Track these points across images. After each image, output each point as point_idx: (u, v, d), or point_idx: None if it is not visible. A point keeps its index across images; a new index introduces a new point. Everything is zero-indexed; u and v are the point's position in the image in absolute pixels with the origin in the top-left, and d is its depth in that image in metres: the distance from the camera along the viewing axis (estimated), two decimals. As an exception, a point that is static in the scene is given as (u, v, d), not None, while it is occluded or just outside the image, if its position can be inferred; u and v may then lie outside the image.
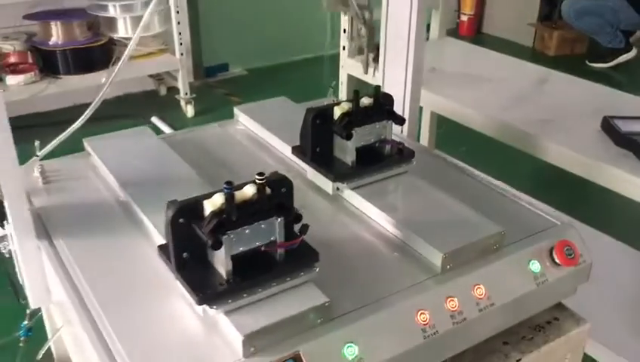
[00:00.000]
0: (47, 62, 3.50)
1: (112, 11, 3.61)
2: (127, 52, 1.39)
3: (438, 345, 1.03)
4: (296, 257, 0.99)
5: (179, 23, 3.71)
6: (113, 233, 1.19)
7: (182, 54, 3.79)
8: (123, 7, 3.61)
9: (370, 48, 1.23)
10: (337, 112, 1.24)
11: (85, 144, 1.45)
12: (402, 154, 1.31)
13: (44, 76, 3.47)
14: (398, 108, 1.49)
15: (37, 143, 1.36)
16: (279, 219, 0.97)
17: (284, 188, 1.00)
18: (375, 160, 1.29)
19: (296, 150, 1.34)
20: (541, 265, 1.14)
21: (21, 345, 1.62)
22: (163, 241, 1.07)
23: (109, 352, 0.91)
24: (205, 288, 0.94)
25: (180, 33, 3.73)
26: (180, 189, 1.22)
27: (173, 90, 4.06)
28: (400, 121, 1.29)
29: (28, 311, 1.69)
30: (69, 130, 1.36)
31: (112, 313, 0.98)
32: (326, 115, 1.26)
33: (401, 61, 1.56)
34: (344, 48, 2.31)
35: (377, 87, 1.28)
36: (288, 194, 1.00)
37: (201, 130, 1.61)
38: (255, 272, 0.96)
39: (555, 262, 1.15)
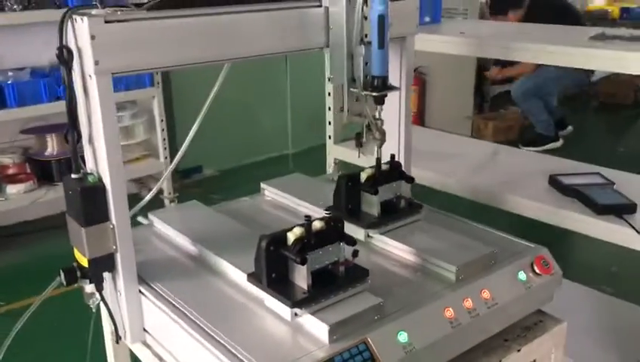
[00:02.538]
0: (44, 172, 3.79)
1: (101, 123, 3.97)
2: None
3: (461, 334, 1.37)
4: (352, 273, 1.34)
5: (163, 130, 4.11)
6: (194, 276, 1.51)
7: (166, 158, 4.16)
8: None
9: (380, 144, 1.65)
10: (363, 176, 1.64)
11: (150, 216, 1.77)
12: (412, 206, 1.69)
13: (41, 184, 3.75)
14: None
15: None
16: (342, 244, 1.32)
17: (340, 223, 1.35)
18: (394, 212, 1.67)
19: (330, 207, 1.69)
20: (526, 275, 1.51)
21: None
22: (241, 275, 1.40)
23: (231, 355, 1.20)
24: (292, 297, 1.27)
25: (164, 139, 4.12)
26: (238, 239, 1.57)
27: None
28: (410, 180, 1.68)
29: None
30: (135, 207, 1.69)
31: (221, 327, 1.28)
32: (355, 179, 1.64)
33: (394, 143, 1.96)
34: (330, 137, 2.75)
35: (392, 156, 1.68)
36: (342, 227, 1.36)
37: (235, 202, 1.96)
38: (326, 284, 1.29)
39: (536, 272, 1.53)
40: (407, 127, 1.90)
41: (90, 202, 1.35)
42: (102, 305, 1.63)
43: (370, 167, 1.65)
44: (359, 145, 2.73)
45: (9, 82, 3.53)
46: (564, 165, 2.40)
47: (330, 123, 2.72)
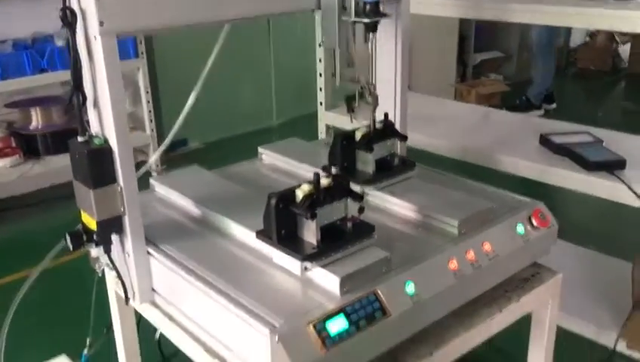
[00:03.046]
0: (29, 146, 3.76)
1: (86, 95, 3.93)
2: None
3: (464, 285, 1.41)
4: (359, 229, 1.37)
5: (149, 102, 4.08)
6: (201, 237, 1.53)
7: (152, 130, 4.14)
8: (96, 91, 3.93)
9: (374, 109, 1.67)
10: (358, 135, 1.66)
11: (152, 182, 1.78)
12: (406, 164, 1.73)
13: (27, 159, 3.72)
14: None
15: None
16: (349, 200, 1.35)
17: (345, 181, 1.38)
18: (387, 169, 1.70)
19: (326, 166, 1.71)
20: (524, 228, 1.56)
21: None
22: (248, 233, 1.43)
23: (246, 308, 1.22)
24: (303, 252, 1.30)
25: (150, 111, 4.09)
26: (242, 200, 1.60)
27: (140, 164, 4.37)
28: (403, 138, 1.71)
29: (88, 341, 1.96)
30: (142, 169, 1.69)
31: (232, 283, 1.31)
32: (350, 138, 1.66)
33: (389, 106, 1.98)
34: (321, 104, 2.77)
35: (386, 114, 1.71)
36: (348, 184, 1.38)
37: (234, 167, 1.97)
38: (334, 240, 1.32)
39: (533, 225, 1.57)
40: (403, 89, 1.92)
41: (98, 164, 1.35)
42: (106, 269, 1.66)
43: (365, 126, 1.67)
44: (351, 110, 2.76)
45: (-9, 55, 3.48)
46: (553, 126, 2.44)
47: (321, 89, 2.73)
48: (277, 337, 1.13)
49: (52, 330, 2.72)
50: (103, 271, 1.64)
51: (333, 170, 1.34)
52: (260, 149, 2.02)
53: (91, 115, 1.40)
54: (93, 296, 1.83)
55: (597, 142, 2.14)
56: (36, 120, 3.80)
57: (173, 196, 1.71)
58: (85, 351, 1.98)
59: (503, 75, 6.80)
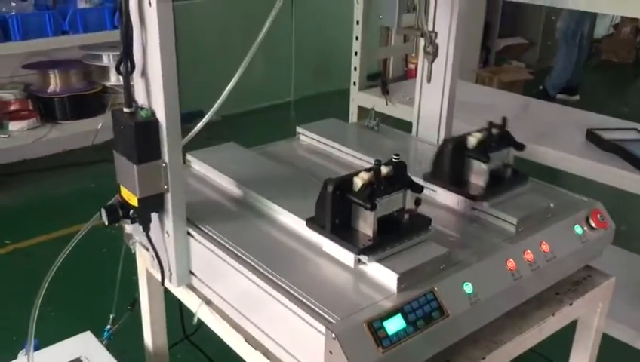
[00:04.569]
0: (46, 109, 3.67)
1: (106, 60, 3.84)
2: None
3: (521, 286, 1.34)
4: (415, 221, 1.29)
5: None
6: (242, 219, 1.45)
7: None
8: (116, 56, 3.84)
9: (432, 59, 1.55)
10: (472, 140, 1.48)
11: (188, 157, 1.70)
12: (518, 176, 1.53)
13: (44, 122, 3.63)
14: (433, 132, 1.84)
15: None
16: (408, 191, 1.27)
17: (405, 169, 1.30)
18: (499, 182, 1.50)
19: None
20: (582, 228, 1.48)
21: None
22: (296, 220, 1.35)
23: (298, 301, 1.15)
24: (358, 244, 1.22)
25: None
26: (285, 183, 1.52)
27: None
28: (520, 147, 1.52)
29: (111, 316, 1.90)
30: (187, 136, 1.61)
31: (279, 270, 1.23)
32: (461, 143, 1.49)
33: (437, 93, 1.89)
34: (355, 84, 2.67)
35: (504, 118, 1.54)
36: (406, 173, 1.30)
37: (271, 146, 1.89)
38: (390, 232, 1.25)
39: (592, 226, 1.50)
40: (457, 44, 1.80)
41: (144, 138, 1.27)
42: (138, 246, 1.59)
43: (478, 131, 1.49)
44: (385, 92, 2.68)
45: (12, 13, 3.37)
46: (594, 119, 2.36)
47: (355, 69, 2.64)
48: (334, 335, 1.06)
49: (73, 305, 2.65)
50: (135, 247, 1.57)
51: (395, 158, 1.25)
52: (298, 129, 1.94)
53: (138, 85, 1.31)
54: (119, 272, 1.76)
55: (648, 141, 2.06)
56: (54, 83, 3.70)
57: (211, 174, 1.63)
58: (108, 327, 1.91)
59: (525, 63, 6.67)
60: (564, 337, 1.64)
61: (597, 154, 2.03)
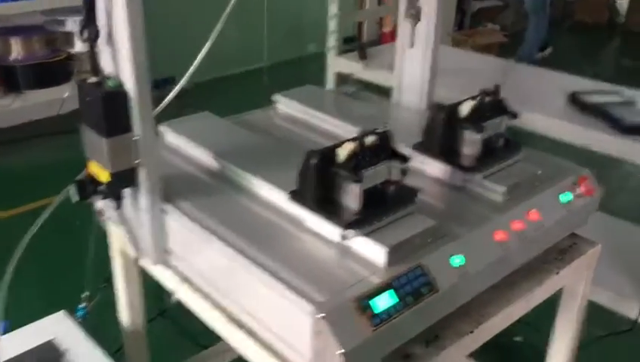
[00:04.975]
0: (8, 78, 3.51)
1: (70, 26, 3.68)
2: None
3: (510, 257, 1.30)
4: (401, 193, 1.24)
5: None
6: (219, 193, 1.38)
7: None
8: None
9: (415, 23, 1.51)
10: (464, 109, 1.42)
11: (160, 128, 1.61)
12: (511, 146, 1.48)
13: (7, 92, 3.48)
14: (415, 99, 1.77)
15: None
16: (393, 162, 1.21)
17: (390, 139, 1.24)
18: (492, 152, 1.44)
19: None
20: (570, 196, 1.44)
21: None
22: (277, 193, 1.29)
23: (282, 279, 1.09)
24: (343, 218, 1.17)
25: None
26: (264, 154, 1.46)
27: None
28: (513, 115, 1.47)
29: (83, 295, 1.83)
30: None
31: (259, 246, 1.18)
32: (452, 112, 1.42)
33: (419, 58, 1.81)
34: (331, 49, 2.59)
35: (497, 86, 1.47)
36: (391, 143, 1.24)
37: (248, 115, 1.82)
38: (375, 205, 1.19)
39: (579, 194, 1.46)
40: (436, 42, 1.76)
41: (113, 109, 1.19)
42: (110, 222, 1.52)
43: (470, 98, 1.42)
44: (363, 57, 2.61)
45: (-32, -23, 3.19)
46: (577, 83, 2.32)
47: (332, 33, 2.55)
48: (322, 315, 1.01)
49: (44, 283, 2.57)
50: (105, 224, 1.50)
51: (380, 130, 1.19)
52: (275, 97, 1.86)
53: (105, 52, 1.22)
54: (90, 248, 1.69)
55: (630, 103, 2.03)
56: (17, 51, 3.54)
57: (186, 145, 1.56)
58: (82, 305, 1.85)
59: (499, 25, 6.61)
60: (550, 303, 1.62)
61: (578, 117, 2.00)
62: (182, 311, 1.42)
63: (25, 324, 1.69)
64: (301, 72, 5.32)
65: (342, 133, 1.60)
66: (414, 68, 1.84)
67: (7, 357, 1.46)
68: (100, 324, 1.89)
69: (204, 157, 1.50)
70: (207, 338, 1.93)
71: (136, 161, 1.25)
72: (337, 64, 2.57)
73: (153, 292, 1.70)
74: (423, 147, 1.46)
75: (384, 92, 2.04)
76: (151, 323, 1.86)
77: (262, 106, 1.88)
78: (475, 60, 2.68)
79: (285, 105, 1.83)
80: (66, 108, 3.72)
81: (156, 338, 1.87)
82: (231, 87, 5.04)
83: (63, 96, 3.57)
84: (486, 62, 2.66)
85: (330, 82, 2.65)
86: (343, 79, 2.58)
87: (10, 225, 2.91)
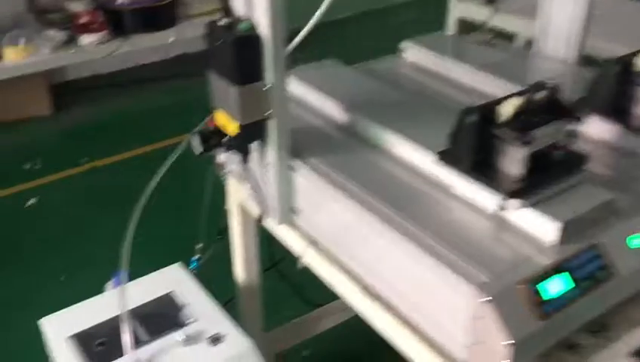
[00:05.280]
0: (115, 22, 3.50)
1: (176, -32, 3.60)
2: None
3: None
4: (568, 159, 1.06)
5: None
6: (353, 151, 1.25)
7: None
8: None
9: None
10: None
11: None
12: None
13: (114, 36, 3.47)
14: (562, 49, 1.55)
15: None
16: (562, 122, 1.03)
17: (560, 95, 1.06)
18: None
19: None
20: None
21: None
22: (422, 154, 1.14)
23: (434, 251, 0.97)
24: (504, 185, 1.01)
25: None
26: (401, 110, 1.31)
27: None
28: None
29: (197, 247, 1.77)
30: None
31: (411, 216, 1.04)
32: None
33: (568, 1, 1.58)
34: (455, -9, 2.37)
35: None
36: (561, 100, 1.06)
37: (375, 63, 1.66)
38: (539, 172, 1.02)
39: None
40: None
41: (246, 55, 1.07)
42: (230, 176, 1.43)
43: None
44: (490, 1, 2.37)
45: None
46: None
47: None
48: (488, 299, 0.87)
49: (157, 233, 2.53)
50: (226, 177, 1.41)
51: (549, 83, 1.01)
52: (403, 44, 1.69)
53: (237, -9, 1.10)
54: (205, 199, 1.61)
55: None
56: (124, -6, 3.51)
57: (313, 97, 1.43)
58: (196, 257, 1.80)
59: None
60: None
61: None
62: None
63: (140, 272, 1.65)
64: (407, 20, 5.01)
65: (485, 88, 1.43)
66: (563, 13, 1.61)
67: (132, 306, 1.42)
68: (213, 275, 1.85)
69: (333, 109, 1.37)
70: (318, 295, 1.85)
71: (268, 113, 1.14)
72: (460, 9, 2.35)
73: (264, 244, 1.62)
74: (586, 103, 1.26)
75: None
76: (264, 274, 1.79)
77: (385, 53, 1.72)
78: (629, 6, 2.37)
79: (415, 54, 1.66)
80: (172, 52, 3.71)
81: (266, 291, 1.80)
82: (346, 31, 4.79)
83: (168, 41, 3.53)
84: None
85: (450, 29, 2.44)
86: (466, 27, 2.36)
87: (122, 169, 2.89)
